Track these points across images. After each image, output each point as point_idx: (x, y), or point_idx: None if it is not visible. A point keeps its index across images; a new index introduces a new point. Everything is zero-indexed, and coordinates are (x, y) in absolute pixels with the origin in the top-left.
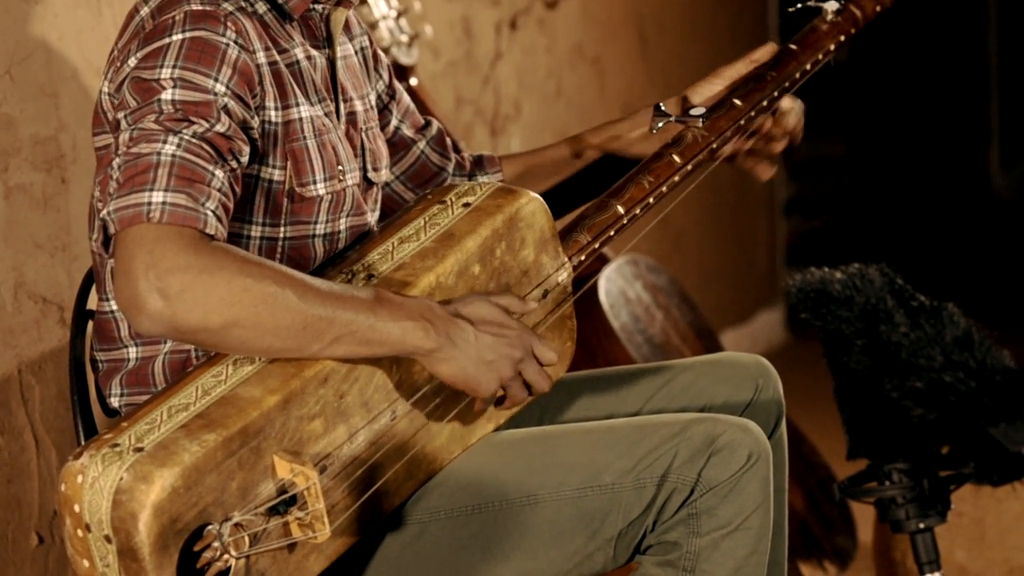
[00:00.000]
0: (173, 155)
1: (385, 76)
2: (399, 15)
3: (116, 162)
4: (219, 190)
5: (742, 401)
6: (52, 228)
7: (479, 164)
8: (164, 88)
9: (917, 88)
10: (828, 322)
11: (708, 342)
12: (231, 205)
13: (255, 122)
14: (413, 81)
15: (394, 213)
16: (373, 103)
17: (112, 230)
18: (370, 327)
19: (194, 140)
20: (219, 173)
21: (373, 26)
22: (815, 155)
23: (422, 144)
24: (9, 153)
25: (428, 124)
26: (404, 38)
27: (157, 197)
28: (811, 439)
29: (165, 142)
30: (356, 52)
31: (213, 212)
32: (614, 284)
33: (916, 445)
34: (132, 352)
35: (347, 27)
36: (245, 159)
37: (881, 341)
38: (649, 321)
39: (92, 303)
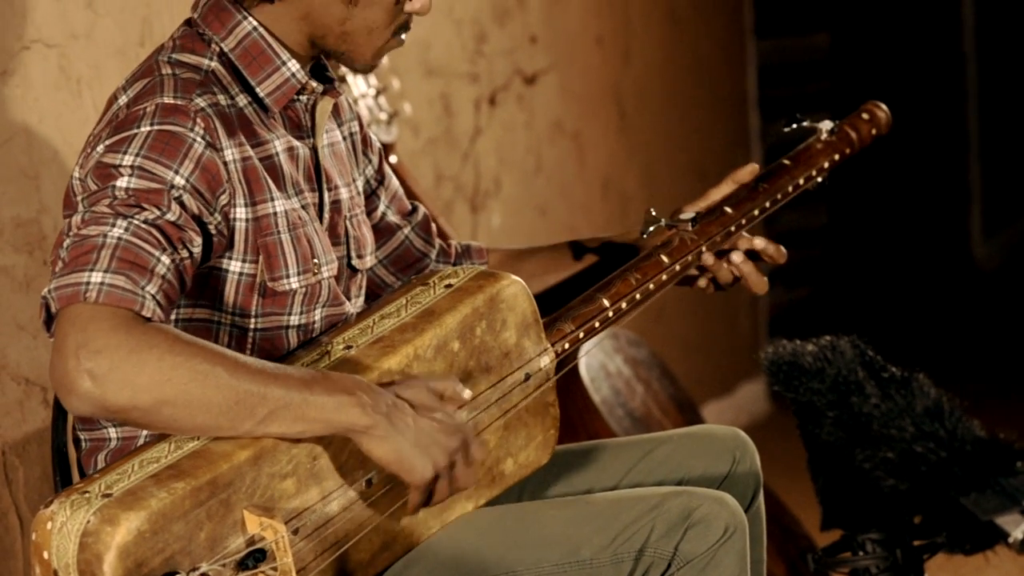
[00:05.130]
0: (119, 238)
1: (375, 160)
2: (378, 93)
3: (66, 242)
4: (163, 276)
5: (719, 474)
6: (34, 309)
7: (466, 253)
8: (122, 175)
9: (898, 157)
10: (800, 394)
11: (689, 415)
12: (176, 292)
13: (215, 218)
14: (393, 159)
15: (377, 297)
16: (360, 188)
17: (53, 308)
18: (303, 402)
19: (143, 225)
20: (165, 259)
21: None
22: (797, 225)
23: (407, 230)
24: None
25: (415, 210)
26: (383, 116)
27: (96, 277)
28: (793, 510)
29: (114, 225)
30: (345, 138)
31: (153, 296)
32: (594, 358)
33: (889, 515)
34: (113, 432)
35: (337, 112)
36: (197, 251)
37: (852, 412)
38: (630, 395)
39: None
